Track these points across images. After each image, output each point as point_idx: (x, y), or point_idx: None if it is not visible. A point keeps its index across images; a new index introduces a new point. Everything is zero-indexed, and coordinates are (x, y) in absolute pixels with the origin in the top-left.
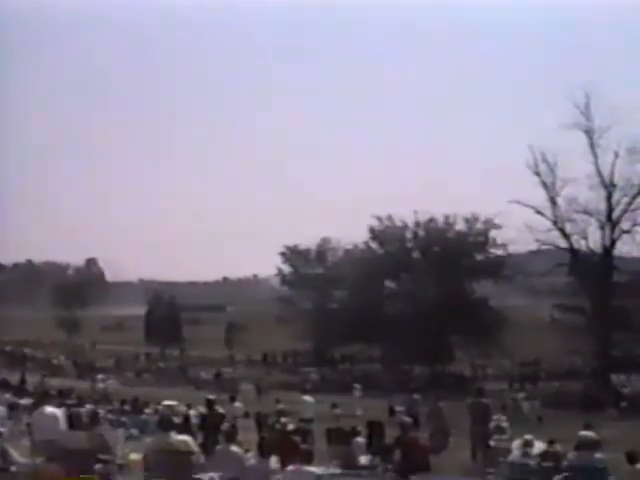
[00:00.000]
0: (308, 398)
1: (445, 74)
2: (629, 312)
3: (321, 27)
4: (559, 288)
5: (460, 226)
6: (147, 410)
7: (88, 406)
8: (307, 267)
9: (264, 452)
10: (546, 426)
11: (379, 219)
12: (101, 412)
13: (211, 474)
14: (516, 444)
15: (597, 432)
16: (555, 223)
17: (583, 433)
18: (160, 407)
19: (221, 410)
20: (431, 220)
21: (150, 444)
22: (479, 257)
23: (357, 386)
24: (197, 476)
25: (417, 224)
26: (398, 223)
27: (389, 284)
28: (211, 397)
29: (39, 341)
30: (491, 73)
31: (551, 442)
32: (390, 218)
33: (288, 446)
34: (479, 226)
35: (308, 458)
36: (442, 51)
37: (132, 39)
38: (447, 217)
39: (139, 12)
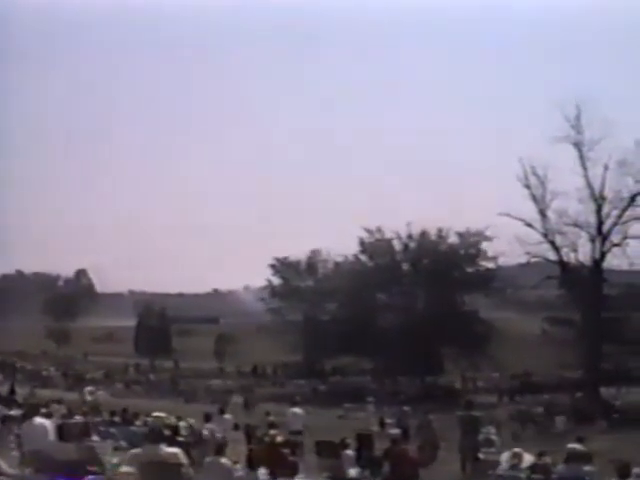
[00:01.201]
0: (297, 410)
1: (434, 85)
2: (619, 325)
3: (312, 30)
4: (549, 301)
5: (452, 239)
6: (137, 422)
7: (77, 417)
8: (297, 279)
9: (253, 464)
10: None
11: (369, 231)
12: (90, 424)
13: None
14: (505, 457)
15: (588, 445)
16: (545, 236)
17: (572, 446)
18: (149, 419)
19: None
20: (423, 233)
21: (140, 456)
22: (469, 270)
23: (370, 399)
24: None
25: (409, 236)
26: (389, 235)
27: (380, 296)
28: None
29: (28, 352)
30: (481, 85)
31: (540, 454)
32: (380, 230)
33: (276, 458)
34: (470, 239)
35: (293, 470)
36: (430, 62)
37: (131, 39)
38: (440, 230)
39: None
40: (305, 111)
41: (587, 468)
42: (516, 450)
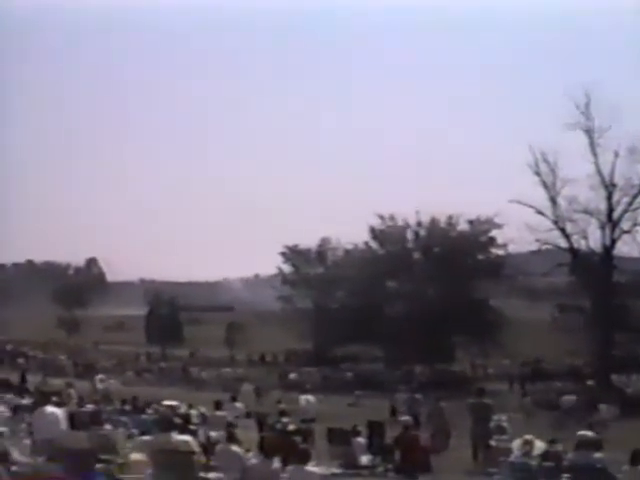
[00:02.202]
0: (310, 398)
1: (446, 73)
2: (630, 312)
3: (311, 28)
4: (559, 288)
5: (462, 226)
6: (148, 410)
7: (89, 406)
8: (308, 267)
9: (265, 452)
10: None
11: (381, 218)
12: (102, 412)
13: (217, 474)
14: (517, 444)
15: (600, 432)
16: (556, 223)
17: (582, 433)
18: (160, 407)
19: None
20: (433, 220)
21: (151, 444)
22: (480, 257)
23: (402, 387)
24: (202, 475)
25: (419, 224)
26: (400, 222)
27: (390, 284)
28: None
29: (39, 341)
30: (491, 72)
31: (552, 442)
32: (392, 217)
33: (288, 446)
34: (480, 226)
35: (305, 458)
36: (442, 50)
37: (130, 39)
38: (450, 217)
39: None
40: (316, 98)
41: (598, 455)
42: (527, 437)
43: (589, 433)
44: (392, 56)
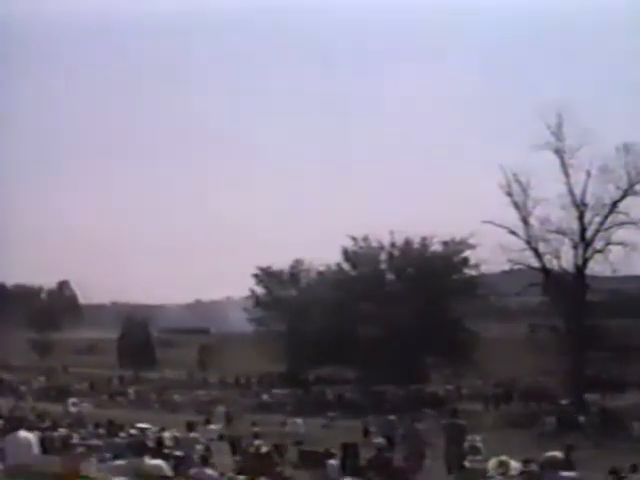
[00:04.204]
0: (298, 420)
1: (416, 91)
2: (603, 331)
3: (305, 35)
4: (532, 308)
5: (436, 247)
6: (122, 434)
7: (61, 430)
8: (280, 289)
9: (241, 474)
10: None
11: (354, 239)
12: (75, 436)
13: None
14: (492, 465)
15: (575, 451)
16: (528, 243)
17: (551, 454)
18: (134, 431)
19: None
20: (407, 242)
21: (125, 468)
22: (453, 277)
23: (429, 411)
24: None
25: (393, 245)
26: (373, 244)
27: (364, 305)
28: None
29: (11, 364)
30: (462, 92)
31: (526, 461)
32: (366, 239)
33: (262, 468)
34: (454, 247)
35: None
36: (413, 67)
37: (131, 47)
38: (424, 239)
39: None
40: (289, 118)
41: (572, 474)
42: (502, 458)
43: (557, 453)
44: (364, 74)
